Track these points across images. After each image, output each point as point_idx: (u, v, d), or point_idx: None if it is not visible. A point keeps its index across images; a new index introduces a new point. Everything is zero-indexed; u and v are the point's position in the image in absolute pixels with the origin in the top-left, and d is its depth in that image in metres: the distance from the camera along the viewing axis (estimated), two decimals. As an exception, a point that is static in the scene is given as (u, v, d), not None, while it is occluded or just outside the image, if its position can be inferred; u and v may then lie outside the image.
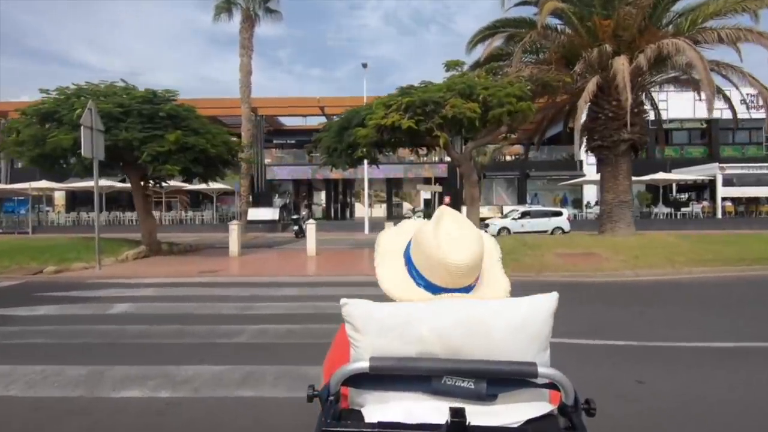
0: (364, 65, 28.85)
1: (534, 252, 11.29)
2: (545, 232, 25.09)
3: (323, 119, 36.01)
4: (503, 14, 14.95)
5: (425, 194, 57.48)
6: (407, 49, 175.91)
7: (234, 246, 14.07)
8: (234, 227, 14.08)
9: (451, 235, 1.13)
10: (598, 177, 33.04)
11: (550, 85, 12.94)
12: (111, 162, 13.06)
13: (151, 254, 14.16)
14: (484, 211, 30.77)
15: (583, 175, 33.92)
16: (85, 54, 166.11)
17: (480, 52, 15.20)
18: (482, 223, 27.35)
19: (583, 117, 12.13)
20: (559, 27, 14.44)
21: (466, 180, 14.15)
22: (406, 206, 62.26)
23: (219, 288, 8.68)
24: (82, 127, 10.70)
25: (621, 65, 11.47)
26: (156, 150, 11.81)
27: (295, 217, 25.98)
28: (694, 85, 14.69)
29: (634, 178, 33.48)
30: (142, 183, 14.03)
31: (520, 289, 1.11)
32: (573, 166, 35.24)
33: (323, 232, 30.51)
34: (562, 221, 25.44)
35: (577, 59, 13.44)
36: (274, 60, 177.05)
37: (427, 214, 56.51)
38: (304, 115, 40.79)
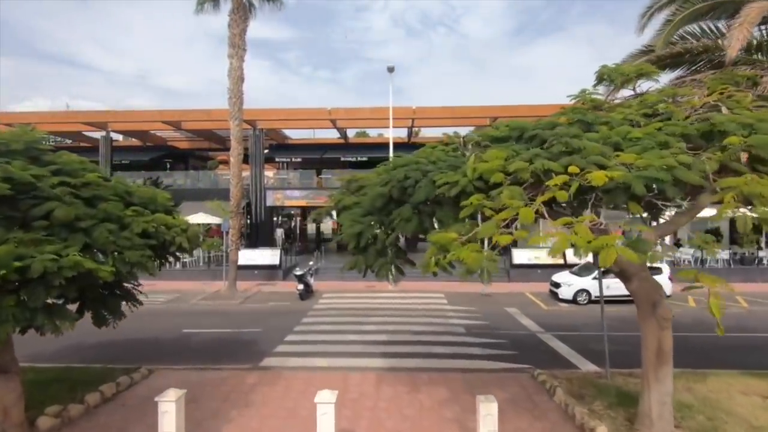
0: (390, 69, 21.22)
1: None
2: (638, 297, 17.49)
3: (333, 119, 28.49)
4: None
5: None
6: (414, 50, 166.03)
7: (169, 445, 6.58)
8: (168, 410, 6.58)
9: None
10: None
11: None
12: None
13: (5, 454, 6.75)
14: (542, 255, 23.20)
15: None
16: (94, 55, 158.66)
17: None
18: (551, 282, 19.90)
19: None
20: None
21: (646, 324, 6.51)
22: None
23: None
24: None
25: None
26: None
27: (298, 273, 18.52)
28: None
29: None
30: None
31: None
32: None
33: (330, 280, 22.57)
34: (663, 282, 17.74)
35: None
36: (282, 62, 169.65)
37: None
38: (313, 127, 33.34)
